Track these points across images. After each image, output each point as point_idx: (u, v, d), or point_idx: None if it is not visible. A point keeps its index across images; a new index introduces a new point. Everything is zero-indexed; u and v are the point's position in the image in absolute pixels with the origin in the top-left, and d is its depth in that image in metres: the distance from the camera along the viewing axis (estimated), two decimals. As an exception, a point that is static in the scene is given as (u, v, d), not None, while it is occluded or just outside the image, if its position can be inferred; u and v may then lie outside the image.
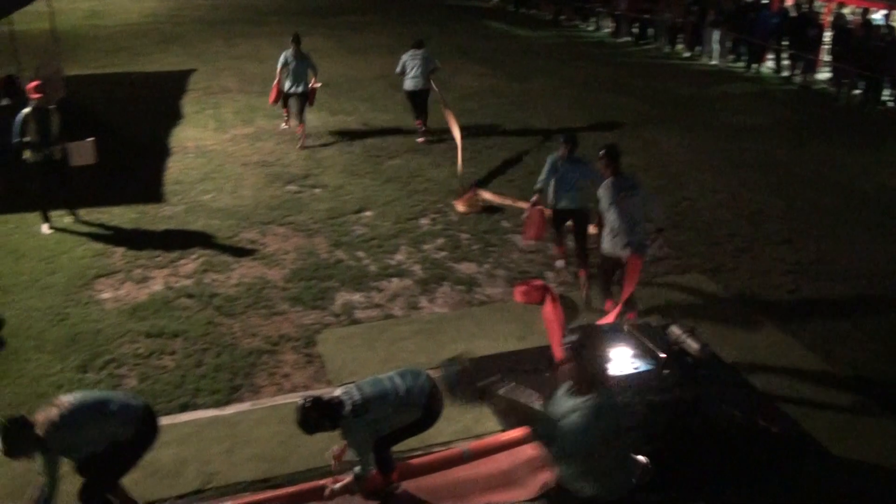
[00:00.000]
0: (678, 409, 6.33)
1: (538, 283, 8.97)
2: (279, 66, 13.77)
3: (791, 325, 8.44)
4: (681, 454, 6.20)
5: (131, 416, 5.53)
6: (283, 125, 14.69)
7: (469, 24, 25.90)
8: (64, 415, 5.35)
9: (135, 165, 12.84)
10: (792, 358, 7.85)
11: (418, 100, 14.11)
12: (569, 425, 4.97)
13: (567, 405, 5.04)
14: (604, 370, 6.25)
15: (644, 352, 6.49)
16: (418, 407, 5.84)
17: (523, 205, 10.34)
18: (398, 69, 14.14)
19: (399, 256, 9.88)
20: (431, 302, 8.91)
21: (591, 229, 9.15)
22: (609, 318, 7.82)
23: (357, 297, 8.98)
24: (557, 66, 20.14)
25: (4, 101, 14.49)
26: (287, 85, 13.82)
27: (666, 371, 6.34)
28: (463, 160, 12.30)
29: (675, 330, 6.56)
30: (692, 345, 6.36)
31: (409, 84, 13.97)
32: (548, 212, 9.43)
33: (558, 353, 7.43)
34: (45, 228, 10.71)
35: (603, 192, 8.07)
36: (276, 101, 14.22)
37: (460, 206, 11.26)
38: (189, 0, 30.66)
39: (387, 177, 12.38)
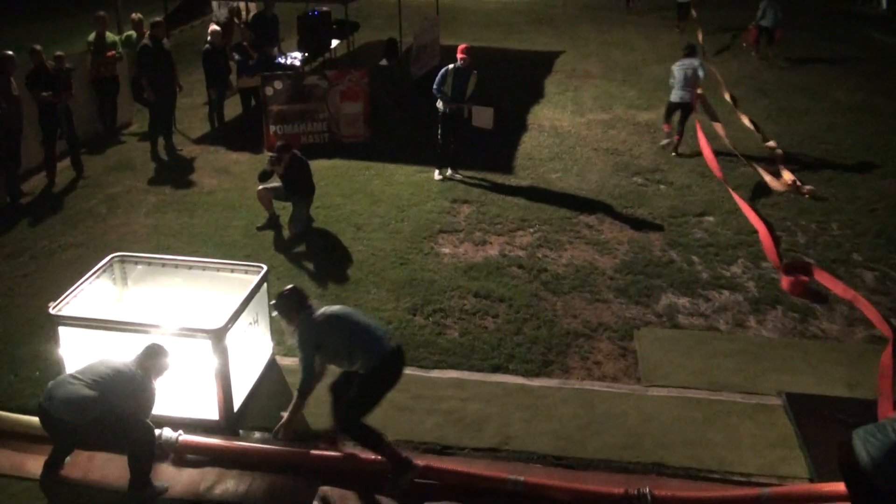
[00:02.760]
0: None
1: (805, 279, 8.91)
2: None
3: None
4: None
5: (376, 351, 5.86)
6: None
7: (848, 31, 23.72)
8: (328, 315, 5.98)
9: (492, 137, 13.45)
10: None
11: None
12: None
13: None
14: None
15: None
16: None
17: None
18: None
19: (734, 269, 9.44)
20: (760, 324, 8.42)
21: None
22: None
23: (683, 301, 8.74)
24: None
25: (383, 62, 15.89)
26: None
27: None
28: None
29: None
30: None
31: None
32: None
33: (883, 413, 6.73)
34: (436, 174, 11.81)
35: None
36: None
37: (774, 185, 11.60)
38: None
39: (737, 184, 11.82)
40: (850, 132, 14.41)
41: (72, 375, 5.69)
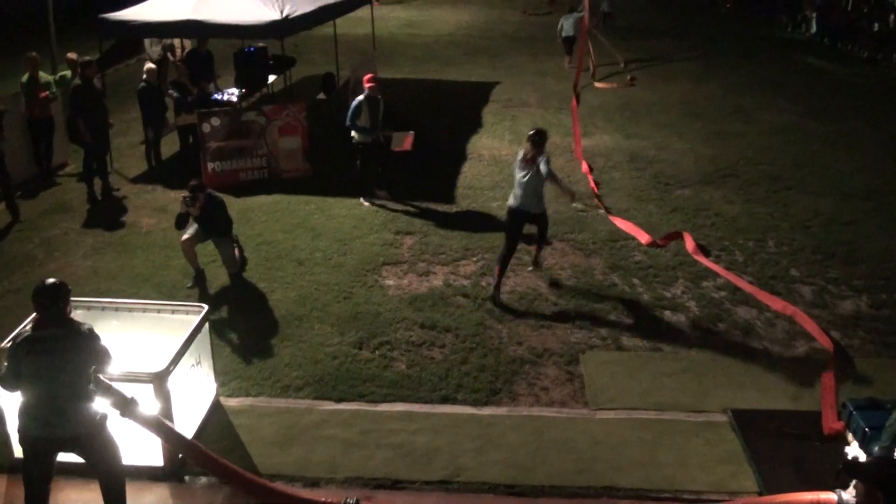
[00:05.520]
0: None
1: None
2: None
3: None
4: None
5: None
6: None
7: (780, 56, 24.57)
8: None
9: (432, 167, 13.55)
10: None
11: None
12: None
13: None
14: None
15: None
16: None
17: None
18: None
19: (675, 290, 9.59)
20: (703, 342, 8.54)
21: None
22: None
23: (626, 323, 8.83)
24: (870, 109, 18.51)
25: (321, 96, 15.89)
26: None
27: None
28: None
29: None
30: None
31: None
32: None
33: (828, 424, 6.90)
34: (363, 201, 11.97)
35: None
36: None
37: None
38: (502, 15, 31.89)
39: (674, 206, 12.08)
40: (784, 152, 14.84)
41: (45, 394, 5.23)
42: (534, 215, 9.19)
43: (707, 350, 8.38)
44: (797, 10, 31.82)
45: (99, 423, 5.45)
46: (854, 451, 6.00)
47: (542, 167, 8.79)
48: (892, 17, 27.19)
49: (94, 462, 5.52)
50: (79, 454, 5.48)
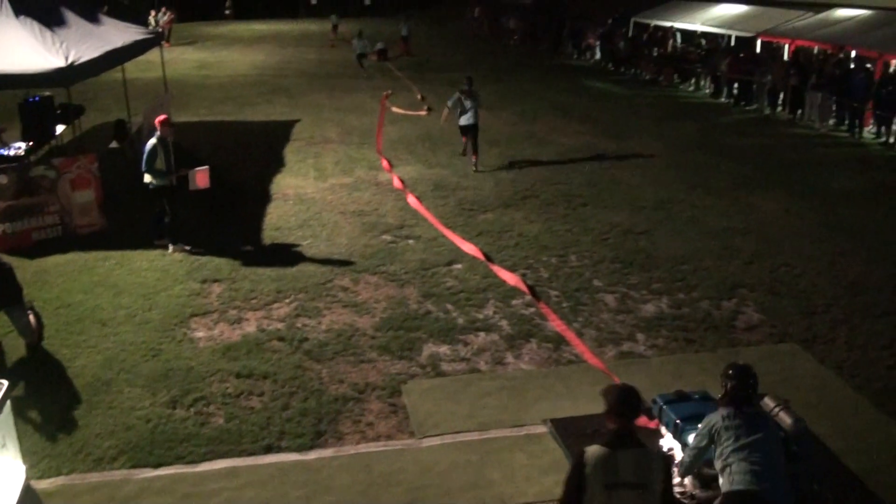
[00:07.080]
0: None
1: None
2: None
3: (888, 404, 8.00)
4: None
5: None
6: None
7: (568, 82, 26.06)
8: None
9: (236, 210, 13.27)
10: (889, 439, 7.42)
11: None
12: None
13: None
14: None
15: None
16: None
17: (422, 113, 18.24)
18: None
19: (487, 311, 9.85)
20: (518, 358, 8.82)
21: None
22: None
23: (444, 349, 8.97)
24: (655, 126, 20.06)
25: (113, 144, 15.25)
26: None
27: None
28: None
29: (768, 402, 6.29)
30: (785, 419, 6.08)
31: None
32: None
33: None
34: (171, 249, 11.53)
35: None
36: None
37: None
38: (297, 54, 31.94)
39: (479, 230, 12.44)
40: (578, 171, 15.71)
41: None
42: (476, 125, 15.69)
43: (522, 365, 8.66)
44: (581, 39, 33.89)
45: None
46: (668, 442, 6.35)
47: (480, 97, 16.04)
48: (670, 42, 29.58)
49: None
50: None
